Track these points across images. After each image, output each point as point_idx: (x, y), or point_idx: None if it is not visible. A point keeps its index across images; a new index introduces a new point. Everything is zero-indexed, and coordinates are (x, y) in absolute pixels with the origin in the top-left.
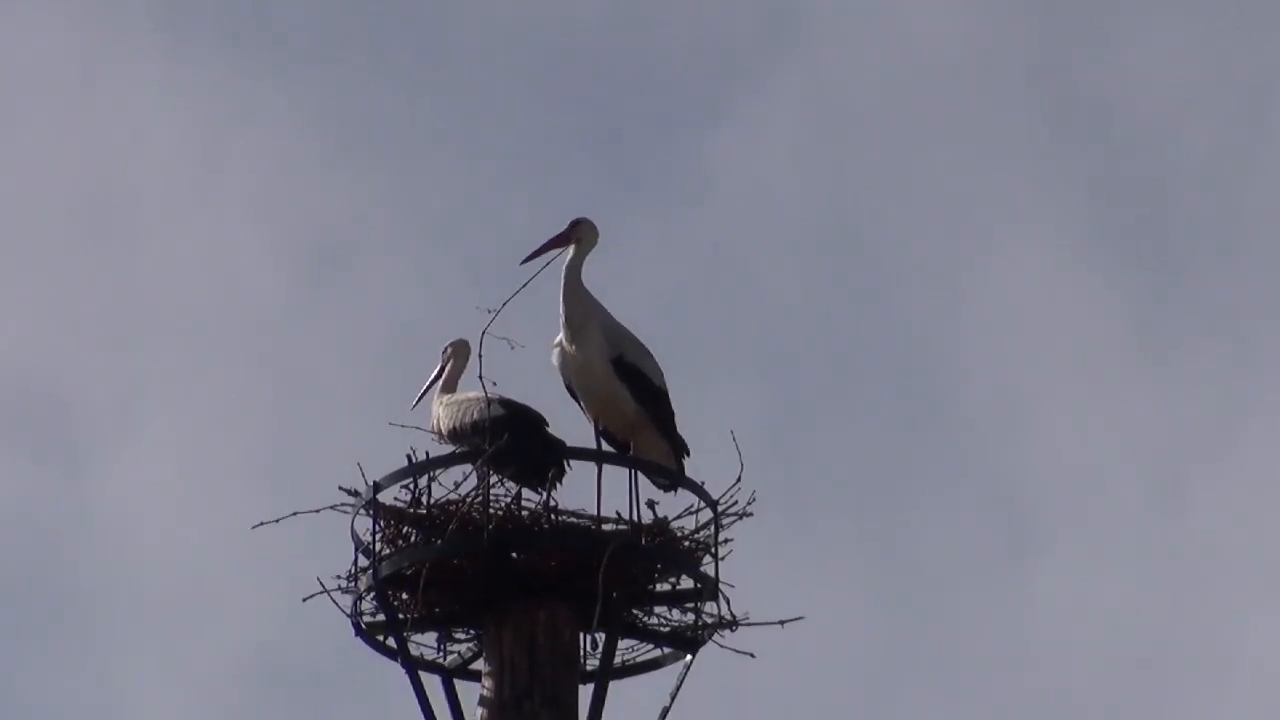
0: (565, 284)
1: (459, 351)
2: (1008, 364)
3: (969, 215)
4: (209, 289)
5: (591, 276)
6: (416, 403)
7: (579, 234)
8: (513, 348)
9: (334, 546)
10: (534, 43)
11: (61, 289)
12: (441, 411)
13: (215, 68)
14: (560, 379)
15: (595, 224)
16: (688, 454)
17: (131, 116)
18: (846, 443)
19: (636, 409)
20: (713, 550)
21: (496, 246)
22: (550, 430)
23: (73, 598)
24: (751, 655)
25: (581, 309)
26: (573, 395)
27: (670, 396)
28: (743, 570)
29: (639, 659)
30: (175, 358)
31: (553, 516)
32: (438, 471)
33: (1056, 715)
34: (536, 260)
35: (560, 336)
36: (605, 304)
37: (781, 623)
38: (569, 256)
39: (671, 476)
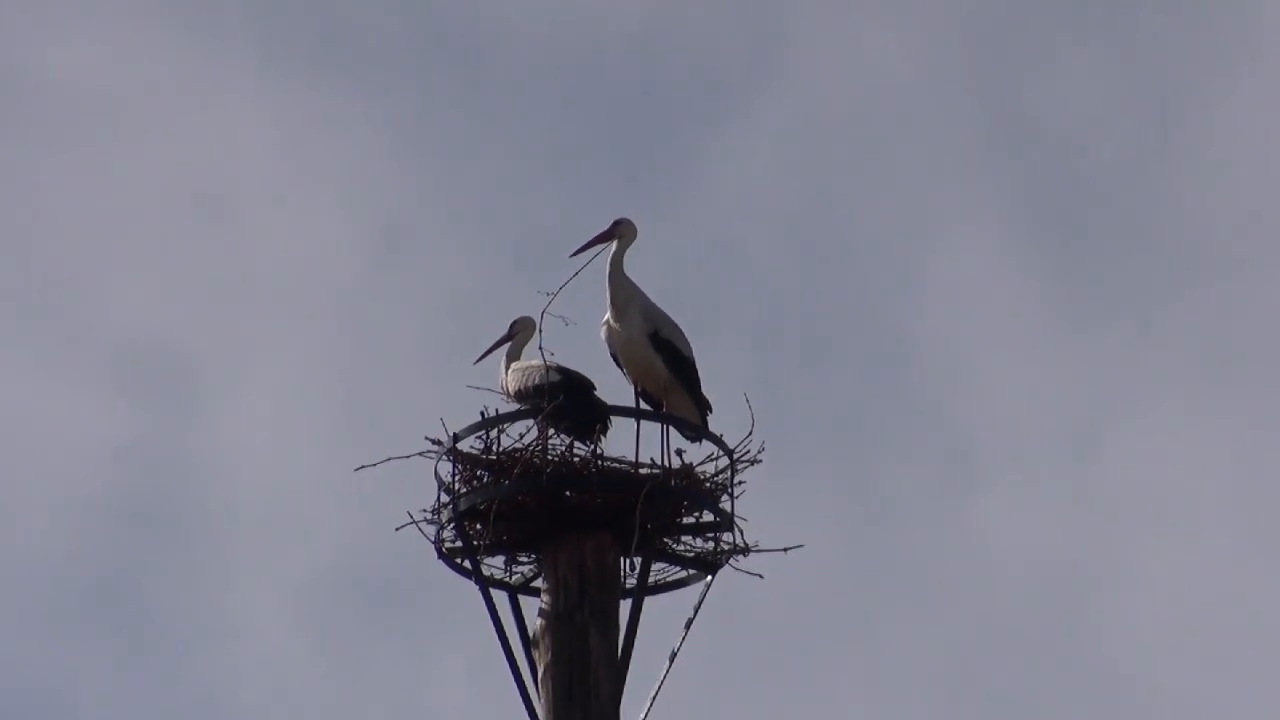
0: (610, 272)
1: (524, 326)
2: (954, 336)
3: (922, 211)
4: (299, 263)
5: (630, 265)
6: (478, 360)
7: (620, 231)
8: (567, 324)
9: (414, 487)
10: (564, 66)
11: (181, 264)
12: (509, 376)
13: (301, 82)
14: (607, 350)
15: (634, 223)
16: (710, 411)
17: (235, 123)
18: (825, 401)
19: (669, 375)
20: (729, 490)
21: (532, 230)
22: (597, 392)
23: (193, 521)
24: (760, 576)
25: (624, 293)
26: (616, 363)
27: (696, 364)
28: (753, 507)
29: (668, 579)
30: (273, 322)
31: (599, 463)
32: (506, 425)
33: (1000, 625)
34: (586, 253)
35: (607, 315)
36: (643, 288)
37: (785, 549)
38: (613, 250)
39: (696, 430)
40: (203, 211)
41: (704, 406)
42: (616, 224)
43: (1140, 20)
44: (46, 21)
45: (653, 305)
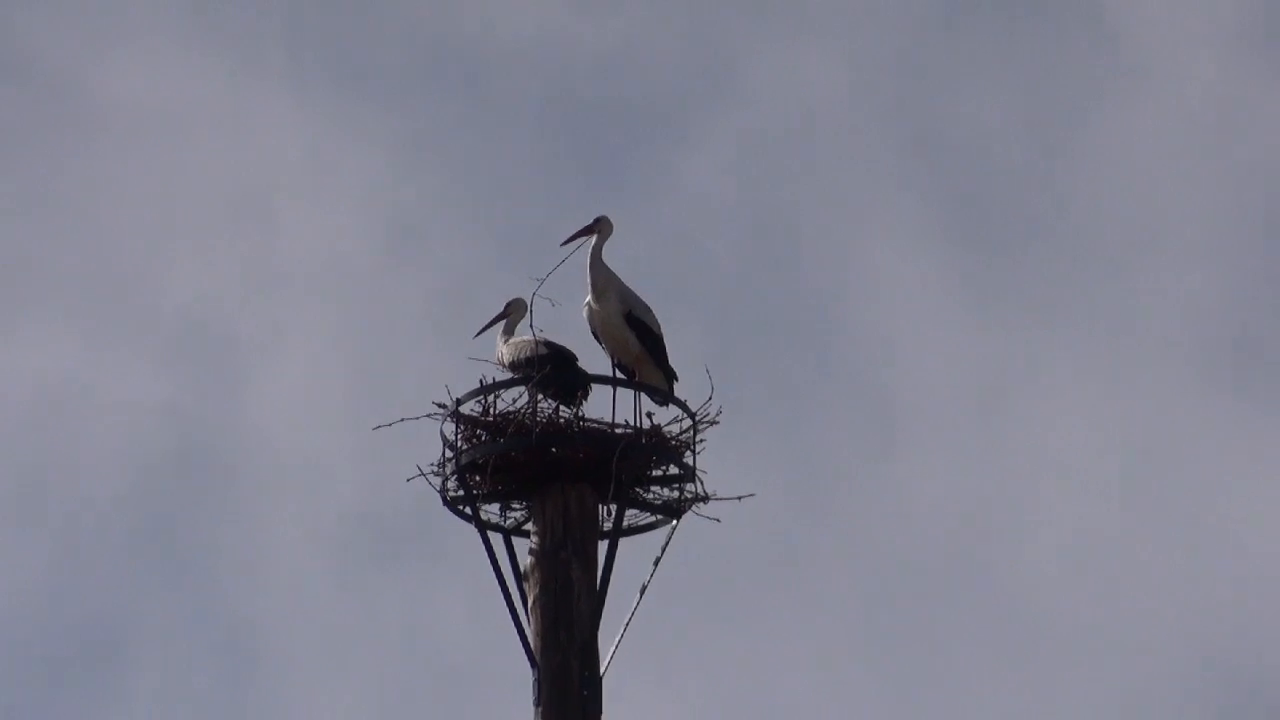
0: (591, 261)
1: (516, 307)
2: (880, 316)
3: (854, 210)
4: (323, 253)
5: (608, 255)
6: (477, 335)
7: (600, 226)
8: (553, 305)
9: (423, 444)
10: (546, 85)
11: (224, 253)
12: (504, 349)
13: (326, 101)
14: (588, 327)
15: (611, 220)
16: (676, 379)
17: (271, 133)
18: (773, 372)
19: (641, 349)
20: (692, 447)
21: (520, 226)
22: (579, 363)
23: (232, 472)
24: (718, 520)
25: (603, 279)
26: (596, 339)
27: (664, 339)
28: (712, 462)
29: (639, 524)
30: (302, 302)
31: (580, 423)
32: (501, 391)
33: (917, 564)
34: (571, 244)
35: (588, 298)
36: (619, 275)
37: (739, 498)
38: (594, 242)
39: (664, 396)
40: (242, 209)
41: (670, 376)
42: (598, 220)
43: (1030, 51)
44: (117, 46)
45: (627, 289)
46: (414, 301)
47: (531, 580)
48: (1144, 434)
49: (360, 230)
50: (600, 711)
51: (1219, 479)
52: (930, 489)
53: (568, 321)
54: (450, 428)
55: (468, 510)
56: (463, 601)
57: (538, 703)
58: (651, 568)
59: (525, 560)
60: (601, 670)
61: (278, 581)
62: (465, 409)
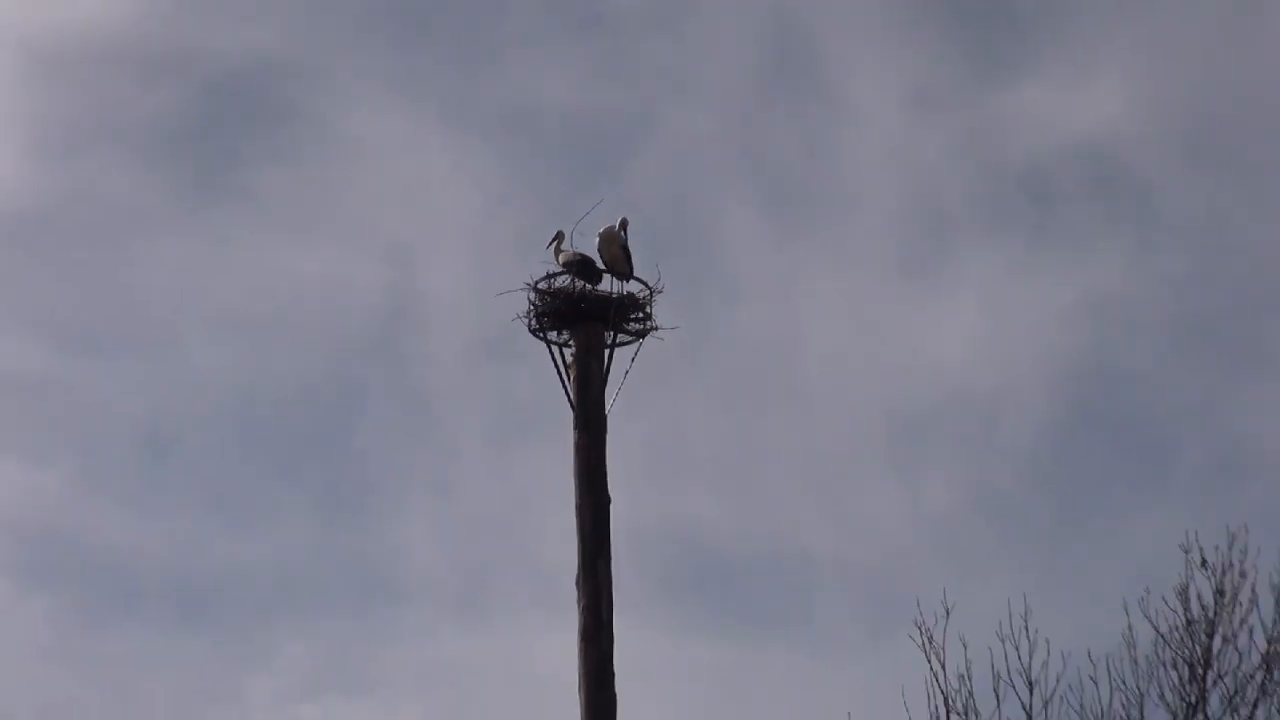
0: (611, 232)
1: (562, 235)
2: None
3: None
4: (468, 211)
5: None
6: (547, 247)
7: (624, 223)
8: (582, 235)
9: (520, 301)
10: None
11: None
12: (559, 257)
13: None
14: (598, 249)
15: (628, 220)
16: (633, 273)
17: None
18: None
19: (626, 261)
20: (650, 302)
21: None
22: (595, 263)
23: (427, 321)
24: (663, 339)
25: (618, 243)
26: (600, 255)
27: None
28: (660, 311)
29: (624, 341)
30: (457, 240)
31: (595, 292)
32: (556, 276)
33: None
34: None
35: (600, 240)
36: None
37: (673, 328)
38: (618, 225)
39: (631, 278)
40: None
41: (632, 270)
42: (623, 220)
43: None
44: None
45: (618, 234)
46: (521, 236)
47: (572, 369)
48: None
49: (490, 196)
50: (606, 425)
51: None
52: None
53: (588, 244)
54: (532, 295)
55: (540, 334)
56: (534, 380)
57: (575, 426)
58: (629, 364)
59: (569, 358)
60: (607, 408)
61: (442, 387)
62: (539, 285)
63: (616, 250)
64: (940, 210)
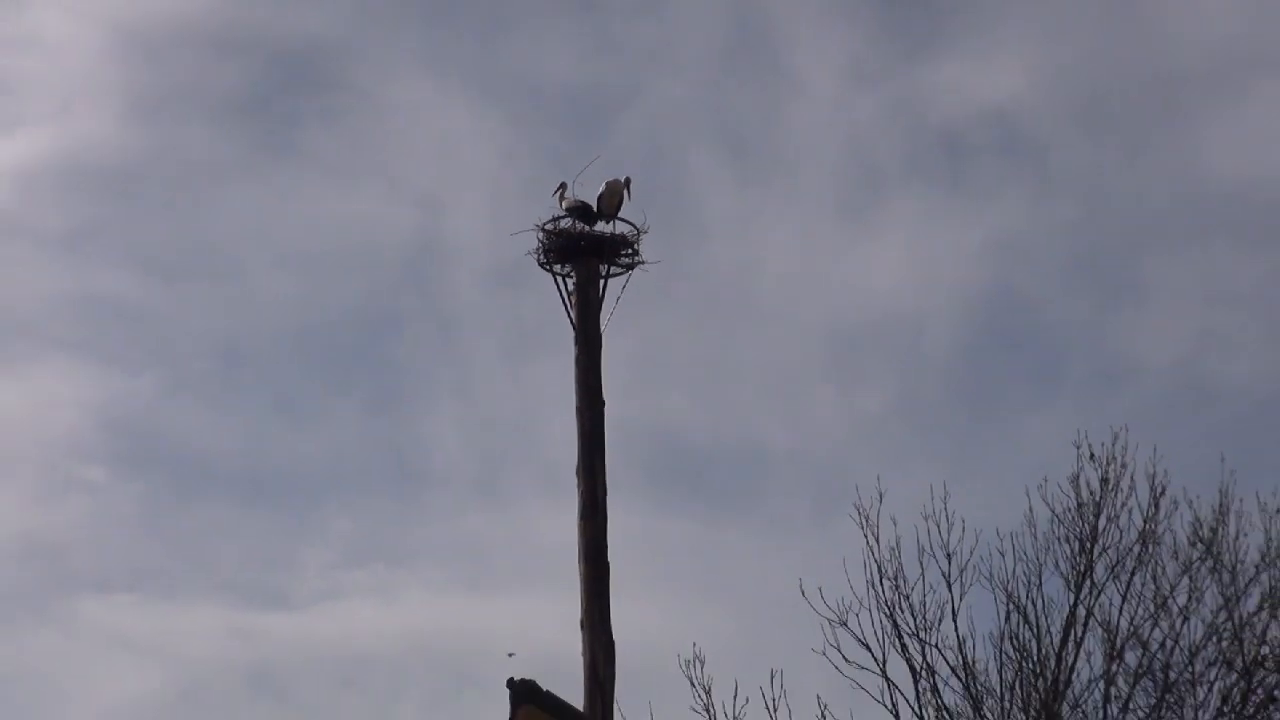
0: (614, 187)
1: (565, 185)
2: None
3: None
4: (486, 168)
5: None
6: (552, 195)
7: (628, 180)
8: (582, 185)
9: (531, 240)
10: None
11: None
12: (562, 204)
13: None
14: (596, 196)
15: (632, 179)
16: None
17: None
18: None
19: (617, 209)
20: (637, 240)
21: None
22: (593, 209)
23: (458, 257)
24: (648, 271)
25: (620, 195)
26: (599, 202)
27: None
28: (646, 249)
29: (615, 274)
30: (483, 194)
31: (593, 231)
32: (561, 219)
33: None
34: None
35: (602, 188)
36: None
37: (657, 261)
38: (622, 181)
39: (625, 221)
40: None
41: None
42: (628, 178)
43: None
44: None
45: (621, 190)
46: (534, 185)
47: (573, 296)
48: None
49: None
50: (601, 343)
51: None
52: (784, 314)
53: (589, 193)
54: (540, 235)
55: (547, 266)
56: (541, 306)
57: (576, 343)
58: (620, 291)
59: (570, 287)
60: (602, 329)
61: (464, 318)
62: (546, 226)
63: (615, 200)
64: (873, 164)
